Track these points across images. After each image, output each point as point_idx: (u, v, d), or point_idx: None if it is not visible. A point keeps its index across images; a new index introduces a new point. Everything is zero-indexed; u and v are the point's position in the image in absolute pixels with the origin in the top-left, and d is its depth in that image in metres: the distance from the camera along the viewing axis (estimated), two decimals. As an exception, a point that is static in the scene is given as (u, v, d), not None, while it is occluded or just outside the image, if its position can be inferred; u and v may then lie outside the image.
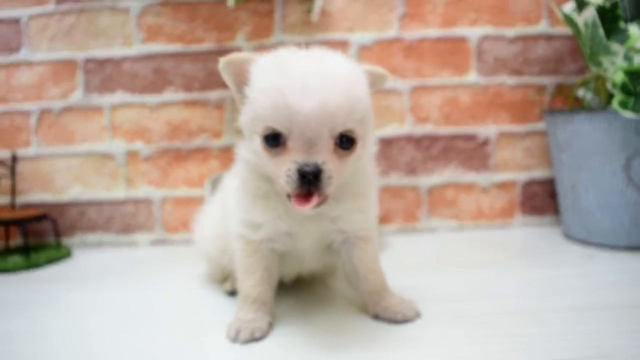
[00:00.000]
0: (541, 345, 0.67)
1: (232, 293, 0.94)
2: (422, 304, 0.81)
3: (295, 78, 0.65)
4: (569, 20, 1.07)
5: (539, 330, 0.72)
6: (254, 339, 0.74)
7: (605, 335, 0.69)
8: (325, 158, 0.65)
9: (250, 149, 0.73)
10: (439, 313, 0.80)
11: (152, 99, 1.37)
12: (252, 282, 0.79)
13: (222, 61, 0.73)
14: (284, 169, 0.66)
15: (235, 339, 0.74)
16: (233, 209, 0.82)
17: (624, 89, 1.05)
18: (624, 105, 1.02)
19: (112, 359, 0.70)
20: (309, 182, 0.65)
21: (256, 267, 0.80)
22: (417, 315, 0.79)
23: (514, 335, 0.71)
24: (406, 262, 1.11)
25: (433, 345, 0.69)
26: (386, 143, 1.37)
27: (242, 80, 0.73)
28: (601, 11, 1.08)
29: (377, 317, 0.80)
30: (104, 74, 1.37)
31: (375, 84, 0.76)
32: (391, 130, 1.37)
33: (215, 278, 1.02)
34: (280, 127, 0.66)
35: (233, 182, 0.83)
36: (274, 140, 0.67)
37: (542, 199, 1.40)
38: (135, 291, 1.00)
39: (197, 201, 1.35)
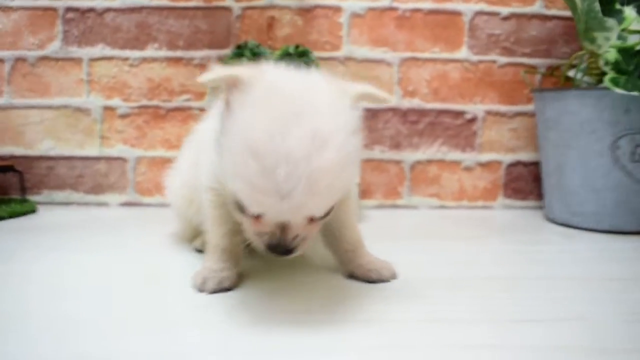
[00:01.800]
0: (514, 307, 0.66)
1: (202, 250, 0.90)
2: (397, 267, 0.78)
3: (271, 168, 0.53)
4: (566, -6, 1.05)
5: (512, 295, 0.71)
6: (222, 289, 0.70)
7: (577, 301, 0.69)
8: (299, 231, 0.59)
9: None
10: (415, 276, 0.78)
11: (133, 54, 1.32)
12: (222, 232, 0.75)
13: (204, 79, 0.61)
14: (253, 229, 0.61)
15: (201, 288, 0.69)
16: (205, 160, 0.77)
17: (616, 66, 1.03)
18: (615, 82, 1.00)
19: (74, 307, 0.66)
20: (280, 252, 0.60)
21: (227, 219, 0.75)
22: (393, 276, 0.76)
23: (488, 298, 0.70)
24: (385, 233, 1.10)
25: (407, 302, 0.67)
26: (372, 115, 1.33)
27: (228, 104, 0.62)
28: (598, -10, 1.06)
29: (351, 275, 0.77)
30: (84, 24, 1.31)
31: (369, 102, 0.69)
32: (378, 102, 1.34)
33: (184, 235, 0.97)
34: (252, 209, 0.58)
35: (208, 127, 0.79)
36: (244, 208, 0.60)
37: (525, 182, 1.38)
38: (101, 247, 0.95)
39: (173, 163, 1.30)
